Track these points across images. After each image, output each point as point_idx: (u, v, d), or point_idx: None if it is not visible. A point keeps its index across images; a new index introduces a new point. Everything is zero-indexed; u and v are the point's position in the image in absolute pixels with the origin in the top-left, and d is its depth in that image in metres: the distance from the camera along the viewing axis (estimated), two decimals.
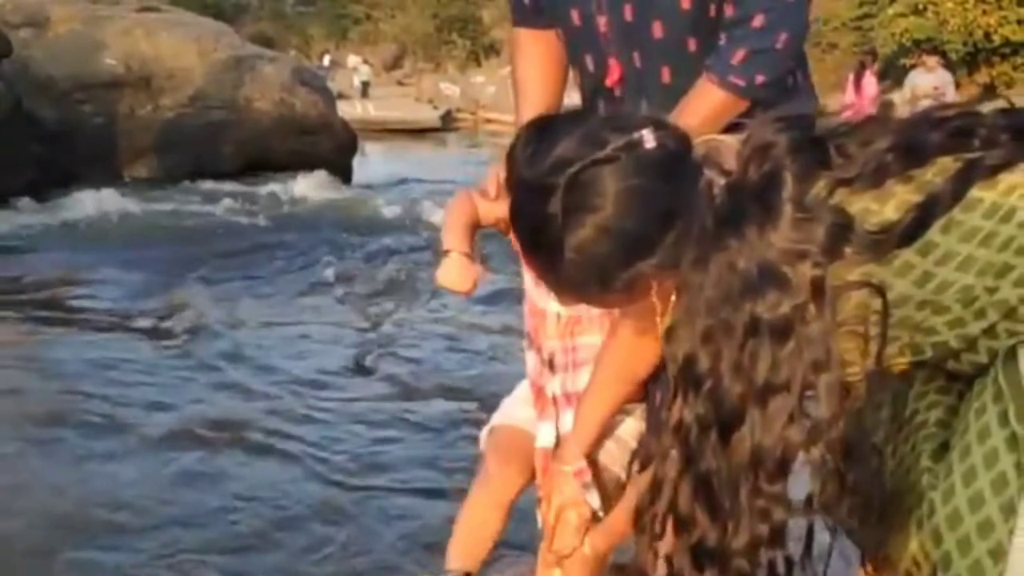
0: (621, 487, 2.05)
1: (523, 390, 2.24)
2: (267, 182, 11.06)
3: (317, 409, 4.25)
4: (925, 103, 12.26)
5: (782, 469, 1.28)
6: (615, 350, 1.87)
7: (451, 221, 2.08)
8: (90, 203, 9.34)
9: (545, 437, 2.11)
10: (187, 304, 5.98)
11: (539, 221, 1.36)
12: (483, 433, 2.27)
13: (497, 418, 2.26)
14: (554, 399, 2.11)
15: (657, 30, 1.94)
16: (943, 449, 1.44)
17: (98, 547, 2.95)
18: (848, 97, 13.69)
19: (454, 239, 2.03)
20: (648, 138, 1.34)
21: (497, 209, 2.02)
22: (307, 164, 11.69)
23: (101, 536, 3.02)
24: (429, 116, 25.88)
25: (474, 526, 2.16)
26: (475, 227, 2.08)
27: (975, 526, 1.34)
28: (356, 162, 13.07)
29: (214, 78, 11.72)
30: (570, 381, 2.09)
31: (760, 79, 1.88)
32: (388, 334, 5.53)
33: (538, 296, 2.10)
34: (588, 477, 2.03)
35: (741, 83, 1.87)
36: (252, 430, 3.94)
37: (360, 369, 4.86)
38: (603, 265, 1.35)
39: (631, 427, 2.10)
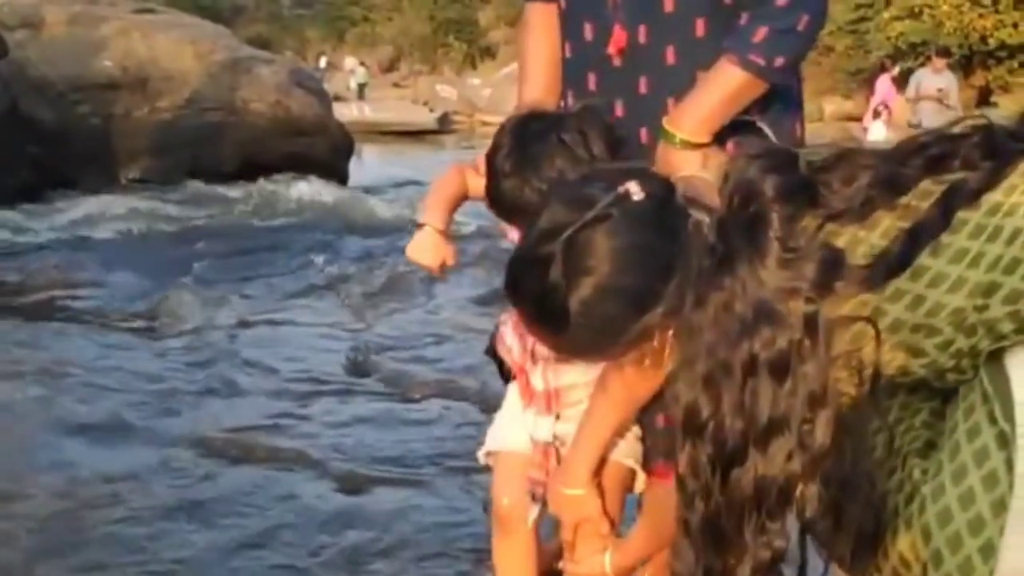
0: (632, 477, 2.05)
1: (514, 402, 2.20)
2: (263, 184, 11.05)
3: (312, 410, 4.25)
4: (927, 105, 12.29)
5: (784, 503, 1.29)
6: (614, 379, 1.87)
7: (434, 195, 2.10)
8: (86, 205, 9.33)
9: (542, 431, 2.09)
10: (183, 305, 5.97)
11: (542, 292, 1.37)
12: (481, 453, 2.23)
13: (493, 442, 2.20)
14: (545, 394, 2.08)
15: (668, 3, 1.94)
16: (928, 448, 1.44)
17: (93, 550, 2.95)
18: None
19: (432, 214, 2.06)
20: (635, 190, 1.34)
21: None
22: (303, 166, 11.66)
23: (96, 539, 3.01)
24: (425, 118, 25.88)
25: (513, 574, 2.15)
26: (459, 201, 2.09)
27: (965, 523, 1.34)
28: (352, 164, 13.06)
29: (210, 80, 11.70)
30: (552, 374, 2.07)
31: (780, 61, 1.87)
32: (384, 335, 5.54)
33: None
34: (541, 493, 2.04)
35: (761, 62, 1.85)
36: (247, 431, 3.94)
37: (356, 369, 4.86)
38: (612, 324, 1.36)
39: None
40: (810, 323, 1.27)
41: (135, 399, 4.28)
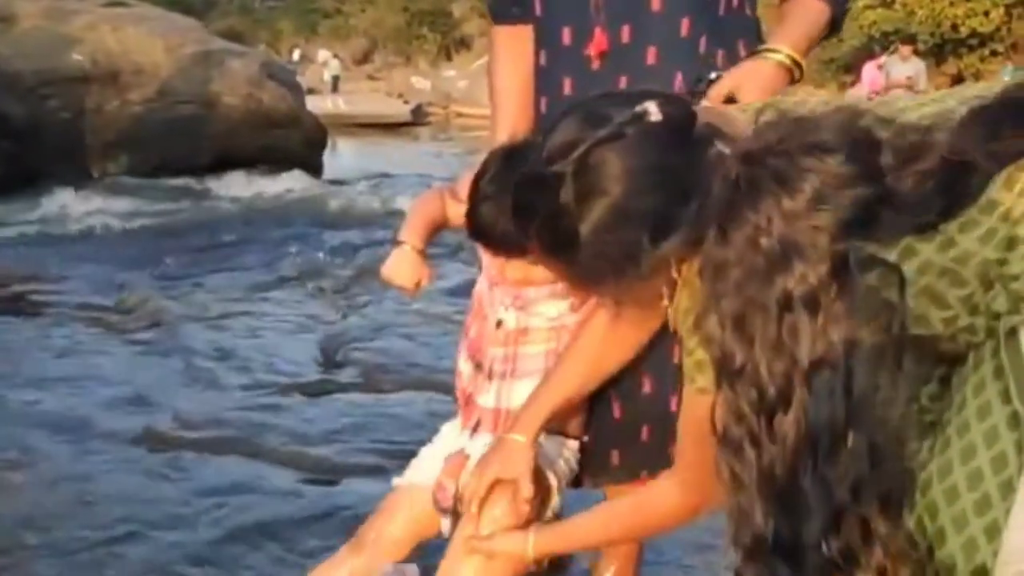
0: (547, 489, 1.96)
1: (441, 443, 2.15)
2: (236, 177, 11.01)
3: (285, 402, 4.25)
4: (898, 92, 12.35)
5: (838, 448, 1.23)
6: (593, 332, 1.82)
7: (415, 216, 2.06)
8: (57, 199, 9.28)
9: (476, 448, 2.00)
10: (156, 299, 5.96)
11: (550, 215, 1.29)
12: (395, 481, 2.15)
13: (410, 473, 2.12)
14: (495, 412, 2.03)
15: (656, 2, 1.92)
16: (930, 425, 1.42)
17: (58, 548, 2.92)
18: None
19: (412, 234, 2.02)
20: (653, 110, 1.27)
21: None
22: (277, 159, 11.63)
23: (61, 537, 2.99)
24: (400, 110, 25.81)
25: None
26: (439, 226, 2.07)
27: (972, 503, 1.32)
28: (326, 157, 13.01)
29: (182, 73, 11.62)
30: (505, 393, 2.03)
31: (843, 10, 1.94)
32: (357, 327, 5.53)
33: (488, 302, 2.05)
34: (448, 503, 1.96)
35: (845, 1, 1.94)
36: (221, 424, 3.93)
37: (329, 361, 4.86)
38: (626, 251, 1.29)
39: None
40: (839, 261, 1.21)
41: (106, 393, 4.26)
